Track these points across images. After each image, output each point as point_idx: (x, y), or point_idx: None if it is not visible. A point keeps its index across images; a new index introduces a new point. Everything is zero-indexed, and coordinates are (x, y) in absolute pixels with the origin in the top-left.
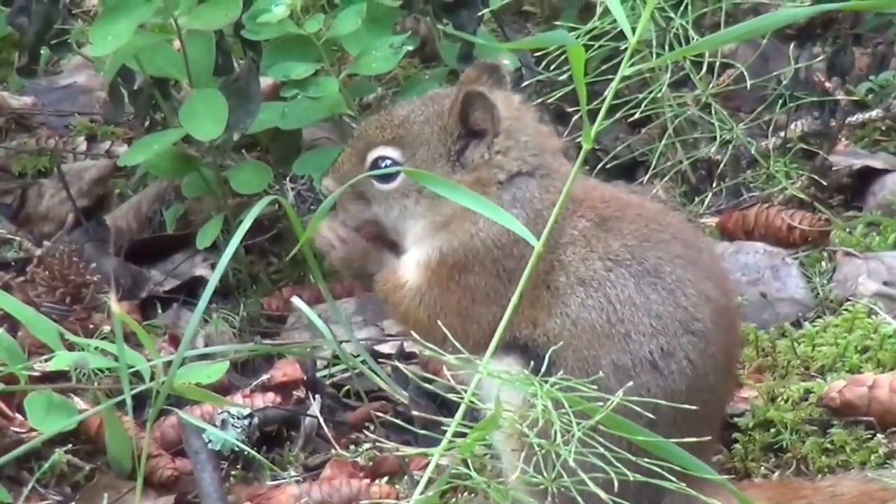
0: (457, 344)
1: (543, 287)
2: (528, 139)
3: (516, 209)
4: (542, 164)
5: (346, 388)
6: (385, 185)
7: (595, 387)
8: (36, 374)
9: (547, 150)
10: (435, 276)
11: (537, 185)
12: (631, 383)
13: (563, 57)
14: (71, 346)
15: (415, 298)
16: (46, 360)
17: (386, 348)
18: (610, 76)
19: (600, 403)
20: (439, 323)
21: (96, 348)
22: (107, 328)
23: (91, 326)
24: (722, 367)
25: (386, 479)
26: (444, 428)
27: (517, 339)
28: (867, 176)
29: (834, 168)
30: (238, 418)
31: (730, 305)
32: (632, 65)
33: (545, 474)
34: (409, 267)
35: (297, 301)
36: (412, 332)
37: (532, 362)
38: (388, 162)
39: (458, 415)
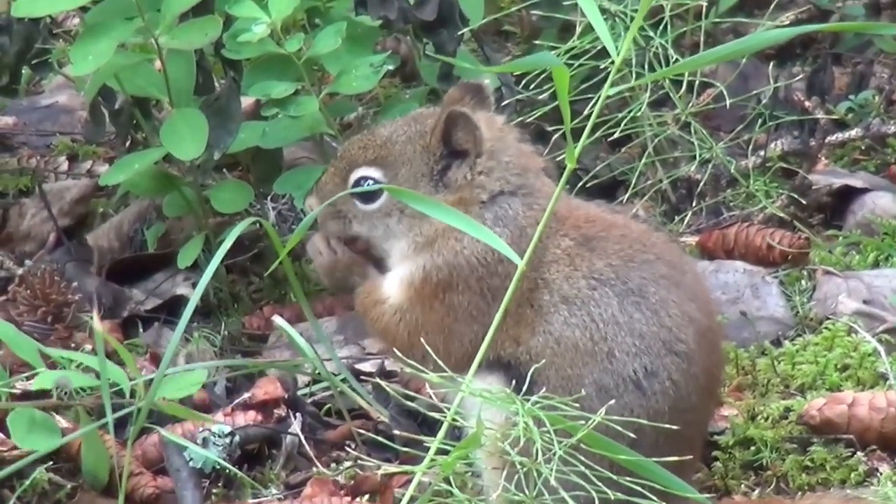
0: (439, 361)
1: (527, 305)
2: (510, 159)
3: (500, 228)
4: (525, 183)
5: (327, 406)
6: (367, 205)
7: (577, 405)
8: (17, 391)
9: (530, 169)
10: (418, 295)
11: (521, 204)
12: (613, 402)
13: (542, 76)
14: (53, 364)
15: (395, 315)
16: (28, 378)
17: (367, 367)
18: (590, 95)
19: (582, 422)
20: (421, 340)
21: (78, 364)
22: (88, 347)
23: (73, 345)
24: (704, 387)
25: (367, 497)
26: (426, 446)
27: (500, 358)
28: (847, 195)
29: (814, 187)
30: (219, 436)
31: (713, 326)
32: (613, 84)
33: (526, 492)
34: (393, 284)
35: (278, 319)
36: (392, 348)
37: (514, 381)
38: (371, 182)
39: (441, 433)
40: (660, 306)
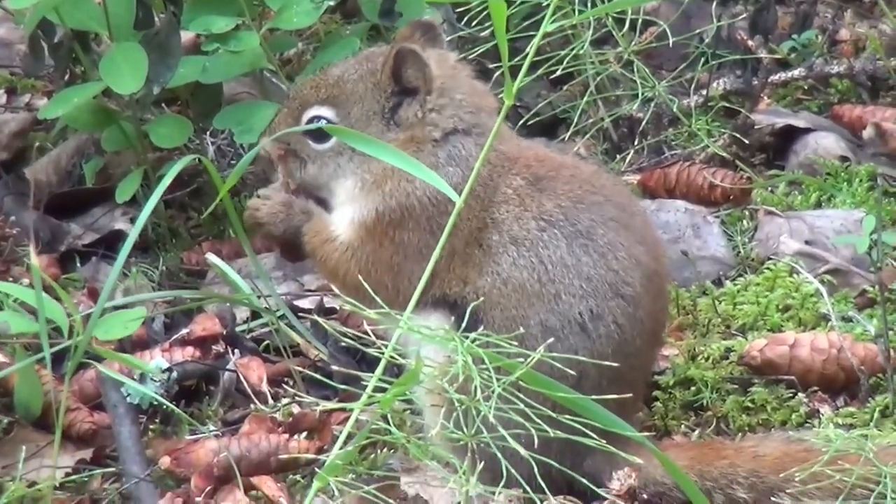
0: (379, 300)
1: (475, 245)
2: (462, 97)
3: (452, 167)
4: (478, 122)
5: (265, 343)
6: (320, 144)
7: (518, 345)
8: None
9: (483, 108)
10: (369, 234)
11: (473, 143)
12: (553, 340)
13: (484, 13)
14: None
15: (346, 252)
16: None
17: (305, 303)
18: (532, 33)
19: (522, 360)
20: (371, 277)
21: (15, 300)
22: (26, 281)
23: (10, 279)
24: (649, 331)
25: (305, 434)
26: (365, 383)
27: (447, 297)
28: (789, 135)
29: (756, 127)
30: (157, 372)
31: (660, 271)
32: (554, 21)
33: (465, 430)
34: (343, 223)
35: (211, 257)
36: (341, 287)
37: (460, 319)
38: (323, 121)
39: (379, 369)
40: (608, 249)
